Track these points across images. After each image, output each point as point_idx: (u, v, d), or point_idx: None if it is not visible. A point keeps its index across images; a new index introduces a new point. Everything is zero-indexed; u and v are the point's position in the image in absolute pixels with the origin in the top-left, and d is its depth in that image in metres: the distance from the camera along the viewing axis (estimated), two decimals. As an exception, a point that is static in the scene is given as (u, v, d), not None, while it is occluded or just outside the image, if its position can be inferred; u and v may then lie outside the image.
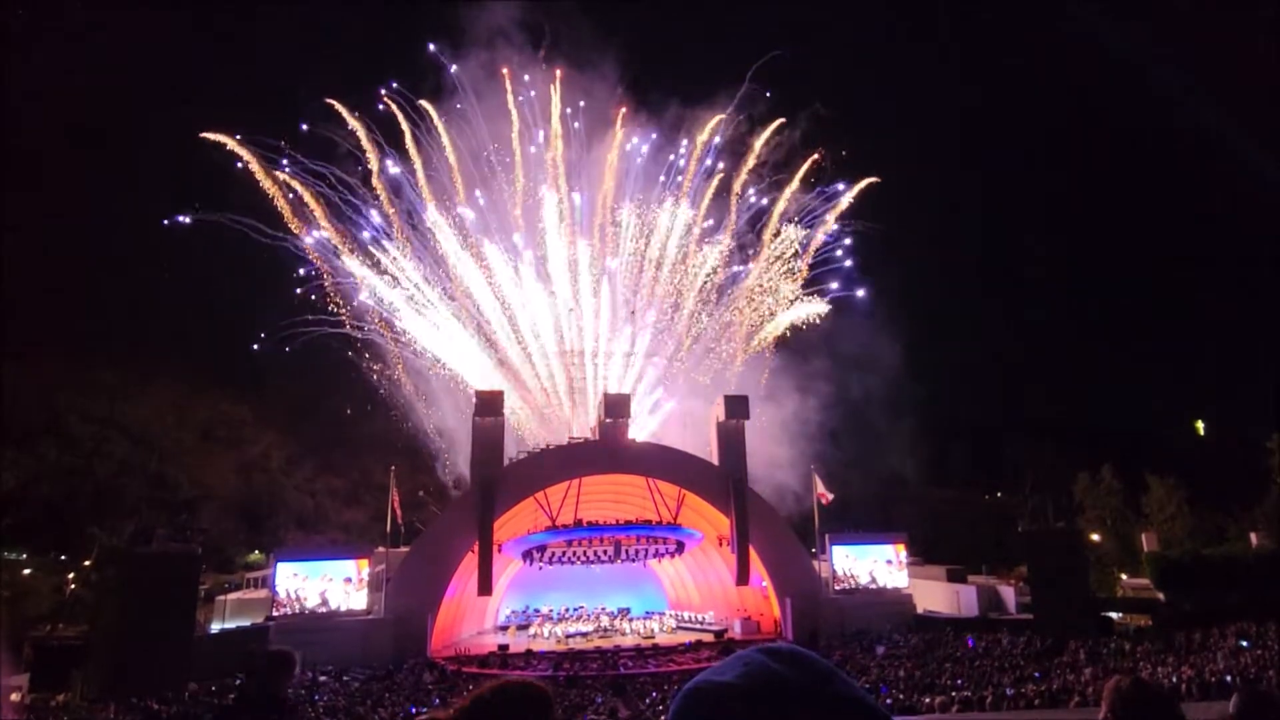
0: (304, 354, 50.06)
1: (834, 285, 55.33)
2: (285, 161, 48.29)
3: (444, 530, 38.57)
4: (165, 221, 47.20)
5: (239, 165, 47.40)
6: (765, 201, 57.22)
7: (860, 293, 55.20)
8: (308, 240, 48.83)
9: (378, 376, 51.35)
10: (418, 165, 52.26)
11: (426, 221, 51.52)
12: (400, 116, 52.20)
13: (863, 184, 55.56)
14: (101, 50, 59.41)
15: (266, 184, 48.06)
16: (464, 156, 54.22)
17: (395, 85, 52.50)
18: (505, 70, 55.29)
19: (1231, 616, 29.90)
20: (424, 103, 53.06)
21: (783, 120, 56.77)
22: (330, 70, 54.30)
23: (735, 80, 57.45)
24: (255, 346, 50.11)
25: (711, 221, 57.34)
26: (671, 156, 58.08)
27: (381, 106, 52.20)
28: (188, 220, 47.12)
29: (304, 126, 49.65)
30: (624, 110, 57.19)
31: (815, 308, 53.90)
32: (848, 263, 55.64)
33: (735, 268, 56.66)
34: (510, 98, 55.61)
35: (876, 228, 55.62)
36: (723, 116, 57.37)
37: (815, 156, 56.00)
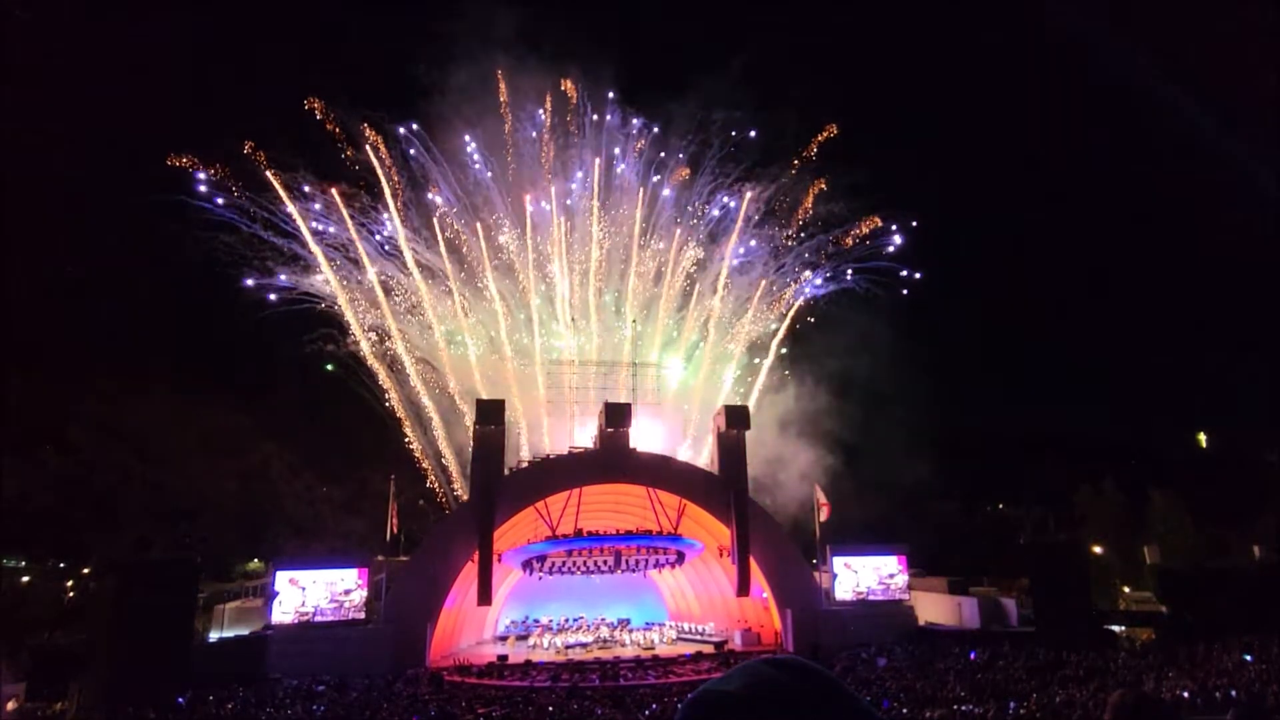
0: (306, 362, 50.25)
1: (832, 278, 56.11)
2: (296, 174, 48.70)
3: (444, 539, 38.47)
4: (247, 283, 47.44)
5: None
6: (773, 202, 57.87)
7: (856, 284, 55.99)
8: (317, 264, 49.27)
9: (385, 392, 51.50)
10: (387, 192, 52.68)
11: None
12: (384, 147, 52.54)
13: (867, 222, 56.34)
14: (101, 51, 59.85)
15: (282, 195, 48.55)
16: (460, 170, 54.73)
17: (415, 127, 53.21)
18: (500, 73, 55.91)
19: (1235, 630, 29.75)
20: (423, 155, 53.65)
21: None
22: (333, 83, 54.42)
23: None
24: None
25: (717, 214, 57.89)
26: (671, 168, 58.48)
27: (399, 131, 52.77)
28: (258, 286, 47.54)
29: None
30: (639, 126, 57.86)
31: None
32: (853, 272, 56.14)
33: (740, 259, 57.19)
34: (507, 110, 56.13)
35: (879, 245, 56.12)
36: (739, 114, 58.05)
37: (821, 182, 56.78)
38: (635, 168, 57.94)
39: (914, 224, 56.74)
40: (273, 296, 48.06)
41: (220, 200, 46.73)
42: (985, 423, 79.01)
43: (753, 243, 57.61)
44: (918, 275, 56.54)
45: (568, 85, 57.19)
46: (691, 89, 59.52)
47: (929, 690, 24.89)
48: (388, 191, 51.90)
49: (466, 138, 55.32)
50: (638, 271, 56.01)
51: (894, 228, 56.38)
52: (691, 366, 55.31)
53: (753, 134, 58.06)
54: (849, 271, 56.11)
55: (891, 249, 56.25)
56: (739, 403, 46.33)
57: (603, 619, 43.16)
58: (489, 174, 55.71)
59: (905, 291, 56.57)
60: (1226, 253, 78.64)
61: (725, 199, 57.62)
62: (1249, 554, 40.88)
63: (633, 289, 55.62)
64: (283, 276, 48.11)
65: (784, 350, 56.63)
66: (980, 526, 61.82)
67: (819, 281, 56.86)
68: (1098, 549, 50.01)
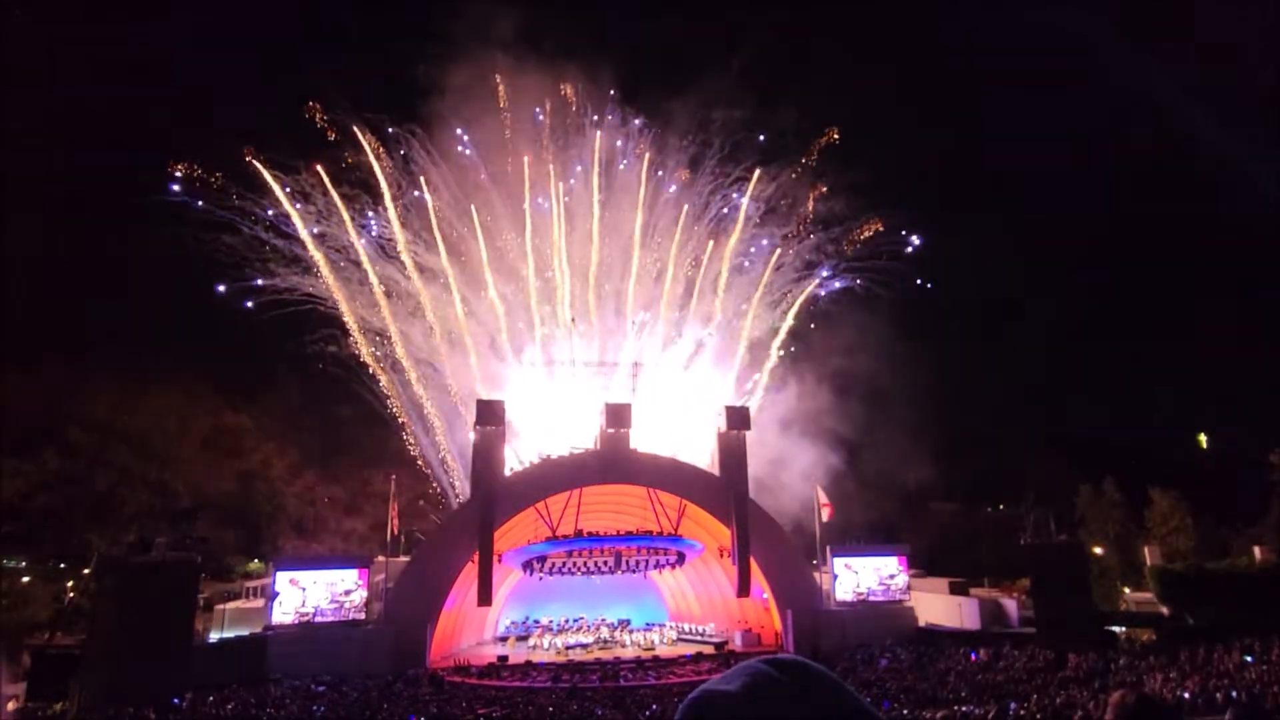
0: (306, 362, 50.30)
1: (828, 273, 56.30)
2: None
3: (444, 540, 38.47)
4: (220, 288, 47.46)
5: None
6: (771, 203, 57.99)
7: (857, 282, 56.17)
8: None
9: (387, 395, 51.56)
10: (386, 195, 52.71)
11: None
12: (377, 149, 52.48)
13: (869, 226, 56.48)
14: (101, 51, 59.99)
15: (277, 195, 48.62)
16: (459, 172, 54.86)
17: (414, 128, 53.30)
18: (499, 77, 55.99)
19: (1236, 631, 29.65)
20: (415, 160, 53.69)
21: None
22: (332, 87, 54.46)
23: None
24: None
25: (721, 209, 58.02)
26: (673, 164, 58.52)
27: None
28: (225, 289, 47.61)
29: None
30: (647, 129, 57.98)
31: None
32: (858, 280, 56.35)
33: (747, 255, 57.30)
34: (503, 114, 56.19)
35: (880, 253, 56.27)
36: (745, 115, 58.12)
37: (822, 186, 56.91)
38: (636, 167, 57.98)
39: (919, 230, 56.90)
40: (250, 303, 48.01)
41: (200, 203, 46.72)
42: (985, 423, 78.95)
43: (764, 242, 57.72)
44: (929, 285, 56.77)
45: (567, 90, 57.33)
46: (692, 89, 59.63)
47: (929, 691, 24.89)
48: (387, 195, 51.96)
49: (464, 135, 55.44)
50: (638, 271, 56.04)
51: (904, 232, 56.54)
52: (693, 366, 55.25)
53: (761, 138, 58.25)
54: (857, 279, 56.21)
55: (909, 249, 56.36)
56: (740, 403, 46.32)
57: (603, 620, 43.14)
58: (485, 175, 55.81)
59: (909, 297, 56.83)
60: (1226, 253, 78.68)
61: (729, 193, 57.78)
62: (1249, 554, 40.76)
63: (633, 288, 55.63)
64: (259, 280, 48.03)
65: (788, 349, 56.68)
66: (980, 527, 61.75)
67: (822, 281, 56.88)
68: (1098, 549, 49.92)
